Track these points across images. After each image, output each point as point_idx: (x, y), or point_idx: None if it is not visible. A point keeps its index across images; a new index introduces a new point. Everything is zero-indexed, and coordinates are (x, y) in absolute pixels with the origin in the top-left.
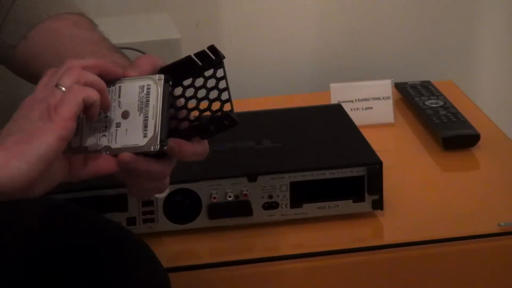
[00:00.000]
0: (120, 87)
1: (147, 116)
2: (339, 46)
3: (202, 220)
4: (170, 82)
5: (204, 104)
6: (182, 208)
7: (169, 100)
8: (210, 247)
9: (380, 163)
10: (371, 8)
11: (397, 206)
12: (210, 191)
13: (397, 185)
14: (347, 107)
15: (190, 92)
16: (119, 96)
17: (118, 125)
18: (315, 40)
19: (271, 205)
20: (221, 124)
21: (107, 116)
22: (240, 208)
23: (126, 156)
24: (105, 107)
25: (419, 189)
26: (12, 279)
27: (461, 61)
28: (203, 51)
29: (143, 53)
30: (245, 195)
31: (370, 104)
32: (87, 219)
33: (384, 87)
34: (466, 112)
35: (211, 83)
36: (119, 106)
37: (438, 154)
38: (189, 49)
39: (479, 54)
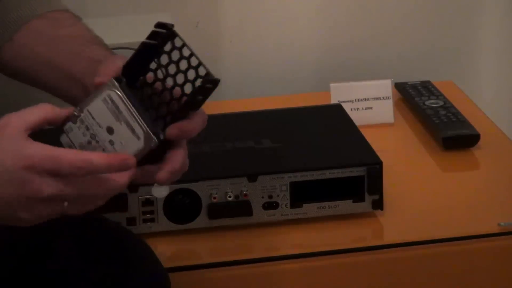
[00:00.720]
0: (88, 110)
1: (128, 121)
2: (339, 46)
3: (202, 220)
4: (124, 79)
5: (180, 78)
6: (182, 208)
7: (135, 94)
8: (210, 247)
9: (380, 163)
10: (371, 8)
11: (397, 206)
12: (210, 191)
13: (397, 185)
14: (347, 107)
15: (161, 73)
16: (93, 118)
17: (111, 142)
18: (315, 40)
19: (271, 205)
20: (206, 89)
21: (97, 141)
22: (240, 208)
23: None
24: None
25: (419, 189)
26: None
27: (461, 61)
28: (152, 31)
29: None
30: (245, 195)
31: (370, 104)
32: (87, 219)
33: (384, 87)
34: (466, 112)
35: (175, 56)
36: (100, 127)
37: (438, 154)
38: None
39: (479, 54)
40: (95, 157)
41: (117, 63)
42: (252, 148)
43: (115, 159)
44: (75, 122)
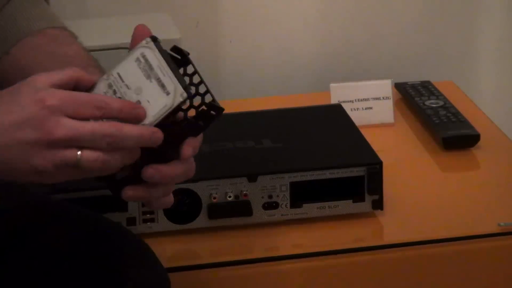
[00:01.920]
0: (118, 73)
1: (159, 78)
2: (339, 46)
3: (202, 220)
4: (159, 39)
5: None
6: (182, 208)
7: (168, 54)
8: (210, 247)
9: (380, 163)
10: (371, 8)
11: (397, 206)
12: (210, 191)
13: (397, 185)
14: (347, 107)
15: None
16: (122, 81)
17: (137, 103)
18: (315, 40)
19: (271, 205)
20: (209, 116)
21: None
22: (240, 208)
23: (150, 171)
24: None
25: (419, 189)
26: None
27: (461, 61)
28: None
29: None
30: (245, 195)
31: (370, 104)
32: (87, 219)
33: (384, 87)
34: (466, 112)
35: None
36: (128, 88)
37: (438, 154)
38: (189, 49)
39: (479, 54)
40: (109, 99)
41: (147, 30)
42: (252, 148)
43: (128, 105)
44: (103, 87)
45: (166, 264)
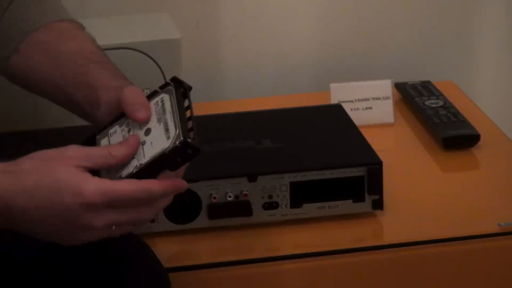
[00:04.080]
0: None
1: (166, 122)
2: (339, 46)
3: (202, 220)
4: (186, 84)
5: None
6: (182, 208)
7: (183, 103)
8: (210, 247)
9: (380, 163)
10: (371, 8)
11: (397, 206)
12: (210, 191)
13: (397, 185)
14: (347, 107)
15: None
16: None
17: (143, 143)
18: (315, 40)
19: (271, 205)
20: (187, 154)
21: None
22: (240, 208)
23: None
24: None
25: (419, 189)
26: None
27: (461, 61)
28: (166, 83)
29: (143, 53)
30: (245, 195)
31: (370, 104)
32: None
33: (384, 87)
34: (466, 112)
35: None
36: (140, 129)
37: (438, 154)
38: (189, 49)
39: (479, 54)
40: (152, 186)
41: (136, 93)
42: (252, 148)
43: (170, 186)
44: (121, 125)
45: (166, 264)
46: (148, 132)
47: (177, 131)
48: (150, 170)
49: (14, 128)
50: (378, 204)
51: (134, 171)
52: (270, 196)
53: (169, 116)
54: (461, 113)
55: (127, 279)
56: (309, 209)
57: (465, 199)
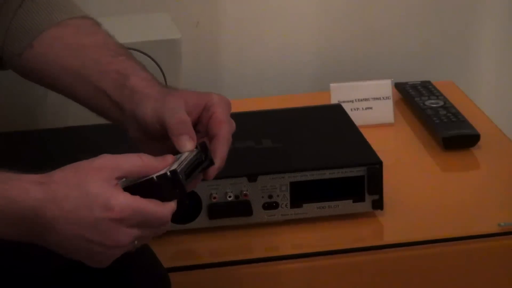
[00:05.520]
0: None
1: (177, 160)
2: (339, 46)
3: (202, 220)
4: (203, 156)
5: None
6: (182, 208)
7: (195, 164)
8: (210, 247)
9: (380, 163)
10: (371, 8)
11: (397, 206)
12: (210, 191)
13: (397, 185)
14: (347, 107)
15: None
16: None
17: None
18: (315, 40)
19: (271, 205)
20: (171, 185)
21: None
22: (240, 208)
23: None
24: None
25: (419, 189)
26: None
27: (461, 61)
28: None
29: (143, 53)
30: (245, 195)
31: (370, 104)
32: None
33: (384, 87)
34: (466, 112)
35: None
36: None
37: (438, 154)
38: (189, 49)
39: (479, 54)
40: (175, 205)
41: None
42: (252, 148)
43: None
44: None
45: (166, 264)
46: None
47: (175, 166)
48: (138, 191)
49: (14, 128)
50: (378, 204)
51: (127, 185)
52: (270, 196)
53: (178, 162)
54: (461, 113)
55: (127, 279)
56: (309, 209)
57: (465, 199)
